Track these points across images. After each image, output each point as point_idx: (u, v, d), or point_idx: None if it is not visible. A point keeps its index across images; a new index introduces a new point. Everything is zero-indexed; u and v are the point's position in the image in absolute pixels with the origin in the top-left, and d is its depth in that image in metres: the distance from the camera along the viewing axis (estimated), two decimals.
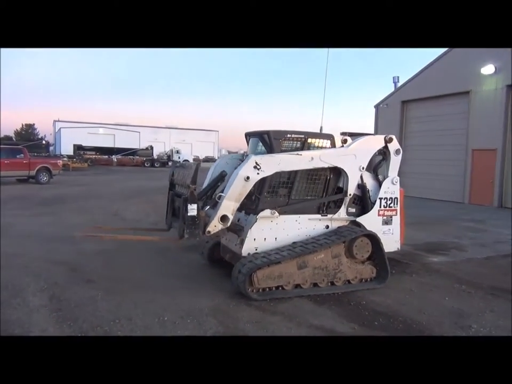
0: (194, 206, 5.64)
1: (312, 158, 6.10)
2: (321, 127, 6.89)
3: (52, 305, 5.27)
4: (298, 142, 6.21)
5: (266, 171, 5.84)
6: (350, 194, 6.39)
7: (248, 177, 5.74)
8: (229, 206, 5.76)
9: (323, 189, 6.32)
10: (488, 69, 16.58)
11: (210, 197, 6.23)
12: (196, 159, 60.96)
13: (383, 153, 6.83)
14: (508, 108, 16.20)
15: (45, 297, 5.52)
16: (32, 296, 5.52)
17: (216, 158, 67.69)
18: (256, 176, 5.80)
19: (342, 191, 6.39)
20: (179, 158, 53.44)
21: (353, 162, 6.37)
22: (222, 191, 5.89)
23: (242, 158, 6.53)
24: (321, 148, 6.34)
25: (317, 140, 6.37)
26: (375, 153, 6.72)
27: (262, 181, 5.91)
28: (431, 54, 22.91)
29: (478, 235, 10.52)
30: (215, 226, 5.76)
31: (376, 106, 22.37)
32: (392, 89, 22.27)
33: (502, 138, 16.32)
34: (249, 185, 5.83)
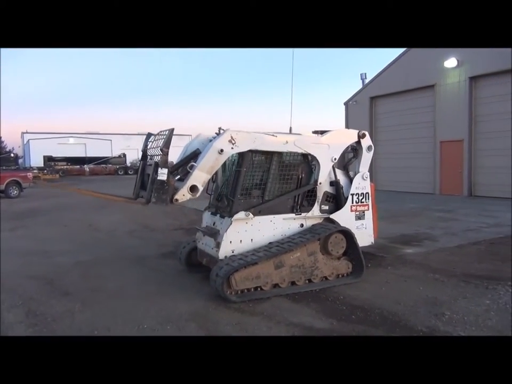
0: (165, 170, 5.58)
1: (287, 142, 6.17)
2: (290, 128, 6.98)
3: (27, 320, 5.17)
4: None
5: (241, 147, 5.87)
6: (320, 183, 6.44)
7: (222, 150, 5.74)
8: (200, 176, 5.73)
9: (295, 188, 6.39)
10: (450, 62, 17.05)
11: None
12: (170, 164, 60.61)
13: (355, 150, 6.96)
14: (472, 99, 16.69)
15: (20, 313, 5.42)
16: (7, 313, 5.42)
17: None
18: (230, 150, 5.81)
19: (314, 190, 6.48)
20: None
21: (326, 152, 6.46)
22: (195, 161, 5.84)
23: None
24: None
25: None
26: (347, 148, 6.84)
27: (237, 177, 5.98)
28: (397, 50, 23.31)
29: (448, 224, 10.80)
30: (183, 195, 5.69)
31: (346, 104, 22.69)
32: (360, 86, 22.63)
33: (468, 129, 16.82)
34: (222, 159, 5.84)
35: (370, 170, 6.60)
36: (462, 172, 17.18)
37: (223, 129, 6.03)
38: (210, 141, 6.01)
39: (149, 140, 6.36)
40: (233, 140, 5.78)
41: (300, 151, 6.29)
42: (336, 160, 6.58)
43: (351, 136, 6.83)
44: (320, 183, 6.45)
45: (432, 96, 18.10)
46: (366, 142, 6.88)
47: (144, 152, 6.44)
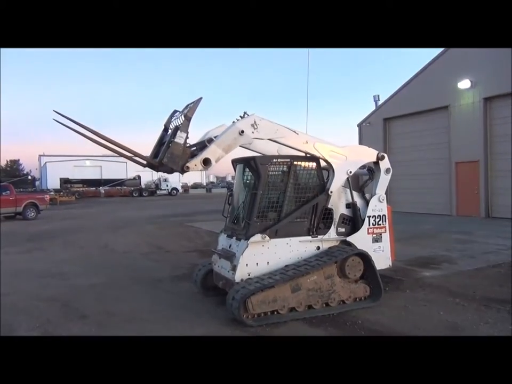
0: (184, 135, 5.63)
1: (307, 142, 6.21)
2: (305, 153, 6.97)
3: None
4: (285, 166, 6.29)
5: (261, 133, 5.94)
6: (331, 192, 6.36)
7: (242, 131, 5.80)
8: (215, 151, 5.76)
9: (312, 210, 6.37)
10: (464, 84, 17.02)
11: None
12: (184, 186, 61.07)
13: (370, 171, 6.94)
14: (486, 119, 16.60)
15: (37, 335, 5.43)
16: (24, 335, 5.43)
17: (205, 184, 68.08)
18: (250, 134, 5.87)
19: (330, 212, 6.46)
20: (167, 186, 53.48)
21: (343, 163, 6.44)
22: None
23: None
24: (308, 169, 6.41)
25: (303, 163, 6.45)
26: (364, 167, 6.83)
27: (253, 199, 6.02)
28: (410, 70, 23.44)
29: (466, 247, 10.62)
30: (195, 165, 5.70)
31: (359, 125, 22.72)
32: (373, 108, 22.69)
33: (483, 150, 16.66)
34: (241, 141, 5.89)
35: (386, 191, 6.58)
36: (479, 193, 16.97)
37: (247, 114, 6.09)
38: (233, 122, 6.07)
39: (174, 115, 6.33)
40: (256, 124, 5.87)
41: (317, 154, 6.29)
42: (351, 174, 6.53)
43: (370, 155, 6.82)
44: (331, 192, 6.37)
45: (446, 117, 18.04)
46: (385, 164, 6.86)
47: (167, 125, 6.38)
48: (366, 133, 22.34)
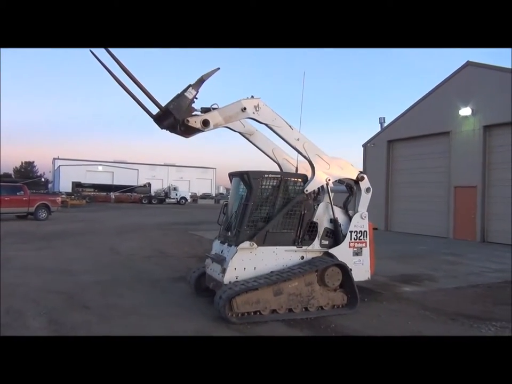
0: (194, 92, 6.12)
1: (298, 139, 6.86)
2: (296, 168, 7.63)
3: (50, 327, 5.85)
4: (276, 181, 6.92)
5: (261, 117, 6.57)
6: (306, 190, 6.90)
7: (245, 109, 6.43)
8: (216, 117, 6.33)
9: (298, 223, 6.98)
10: (465, 111, 17.60)
11: None
12: (193, 196, 61.92)
13: (349, 188, 7.55)
14: (486, 147, 17.13)
15: (44, 320, 6.10)
16: (32, 320, 6.11)
17: (214, 195, 68.92)
18: (251, 114, 6.49)
19: (315, 225, 7.07)
20: (176, 195, 54.32)
21: (324, 169, 7.07)
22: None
23: None
24: (297, 185, 7.04)
25: (293, 179, 7.10)
26: (343, 184, 7.46)
27: (244, 209, 6.62)
28: (415, 95, 24.03)
29: (453, 267, 11.12)
30: (195, 122, 6.17)
31: (364, 146, 23.33)
32: (379, 129, 23.32)
33: (481, 176, 17.16)
34: (241, 116, 6.51)
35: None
36: (475, 217, 17.43)
37: (254, 97, 6.65)
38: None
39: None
40: (258, 107, 6.50)
41: (303, 153, 6.91)
42: (329, 182, 7.10)
43: (351, 172, 7.41)
44: (307, 191, 6.93)
45: (447, 143, 18.60)
46: (365, 184, 7.46)
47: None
48: (370, 154, 22.96)
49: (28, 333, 5.61)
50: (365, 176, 7.46)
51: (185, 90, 6.16)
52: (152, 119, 6.56)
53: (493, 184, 17.09)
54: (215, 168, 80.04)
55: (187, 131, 6.39)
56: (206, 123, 6.24)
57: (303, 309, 6.61)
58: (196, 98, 6.24)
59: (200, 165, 77.84)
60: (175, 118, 6.10)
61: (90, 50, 5.85)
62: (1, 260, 10.37)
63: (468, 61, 17.97)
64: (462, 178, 17.93)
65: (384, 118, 23.80)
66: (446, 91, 18.66)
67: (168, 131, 6.53)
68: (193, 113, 6.29)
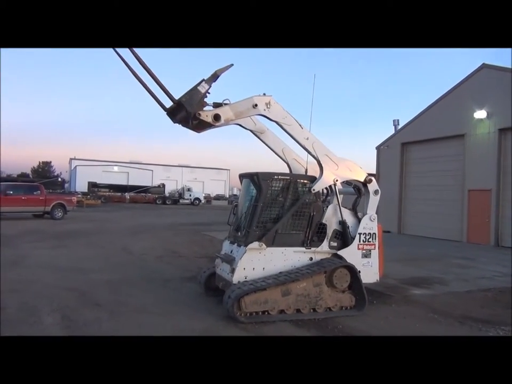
0: (207, 86, 6.22)
1: (308, 138, 6.93)
2: (306, 170, 7.68)
3: (63, 323, 6.00)
4: (285, 182, 6.98)
5: (272, 114, 6.65)
6: (313, 189, 6.96)
7: (256, 105, 6.53)
8: (227, 112, 6.43)
9: (307, 224, 7.04)
10: (480, 114, 17.44)
11: None
12: (207, 197, 62.24)
13: (357, 189, 7.58)
14: (501, 150, 16.95)
15: (57, 317, 6.26)
16: (46, 316, 6.27)
17: (227, 196, 69.32)
18: (261, 111, 6.58)
19: (324, 227, 7.11)
20: (190, 195, 54.67)
21: (332, 169, 7.11)
22: None
23: None
24: (306, 186, 7.10)
25: (302, 181, 7.16)
26: (351, 186, 7.52)
27: (254, 210, 6.71)
28: (429, 98, 23.88)
29: (464, 271, 11.05)
30: (206, 116, 6.28)
31: (378, 148, 23.25)
32: (393, 132, 23.22)
33: (496, 179, 16.98)
34: (252, 113, 6.61)
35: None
36: (489, 221, 17.24)
37: (266, 94, 6.72)
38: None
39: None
40: (269, 105, 6.59)
41: (312, 152, 6.98)
42: (337, 182, 7.16)
43: (360, 175, 7.43)
44: (313, 190, 6.99)
45: (462, 145, 18.45)
46: (373, 186, 7.48)
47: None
48: (384, 156, 22.87)
49: (42, 327, 5.78)
50: (373, 178, 7.48)
51: (199, 84, 6.26)
52: (165, 113, 6.64)
53: (507, 187, 16.84)
54: (229, 170, 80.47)
55: (199, 125, 6.48)
56: (217, 117, 6.34)
57: (311, 310, 6.66)
58: (209, 93, 6.34)
59: (214, 166, 78.31)
60: (187, 111, 6.19)
61: (114, 49, 5.96)
62: (17, 258, 10.63)
63: (483, 63, 17.80)
64: (477, 181, 17.76)
65: (398, 120, 23.67)
66: (461, 93, 18.52)
67: (180, 125, 6.61)
68: (205, 108, 6.39)
